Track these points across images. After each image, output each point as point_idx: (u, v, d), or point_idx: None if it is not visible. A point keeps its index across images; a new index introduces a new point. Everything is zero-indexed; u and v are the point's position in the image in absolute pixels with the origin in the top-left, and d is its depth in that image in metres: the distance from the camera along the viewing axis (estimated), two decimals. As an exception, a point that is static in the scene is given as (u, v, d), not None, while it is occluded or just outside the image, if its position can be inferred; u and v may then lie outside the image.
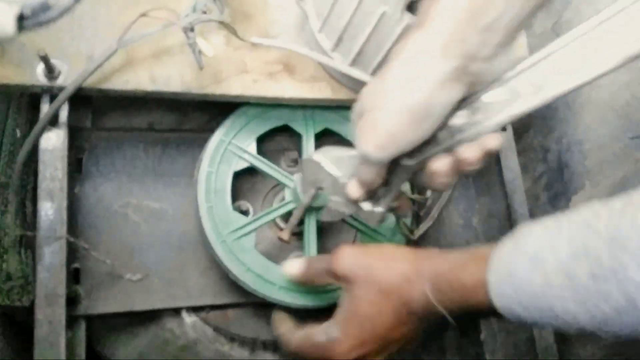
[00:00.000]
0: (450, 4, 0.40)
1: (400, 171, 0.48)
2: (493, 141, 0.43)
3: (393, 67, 0.42)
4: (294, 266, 0.55)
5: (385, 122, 0.42)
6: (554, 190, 0.80)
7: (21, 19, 0.29)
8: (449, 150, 0.45)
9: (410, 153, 0.45)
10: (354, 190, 0.49)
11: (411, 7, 0.49)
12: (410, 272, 0.47)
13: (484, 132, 0.43)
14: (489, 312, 0.42)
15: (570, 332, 0.40)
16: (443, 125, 0.44)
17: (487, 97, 0.42)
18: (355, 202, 0.51)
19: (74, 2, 0.31)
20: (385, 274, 0.48)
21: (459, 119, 0.44)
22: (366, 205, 0.51)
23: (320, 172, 0.51)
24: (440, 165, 0.45)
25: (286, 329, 0.54)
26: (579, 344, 0.72)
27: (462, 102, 0.43)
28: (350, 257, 0.50)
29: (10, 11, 0.28)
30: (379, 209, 0.51)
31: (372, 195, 0.50)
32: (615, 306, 0.35)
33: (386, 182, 0.49)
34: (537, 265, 0.39)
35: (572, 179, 0.76)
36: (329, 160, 0.51)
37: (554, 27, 0.74)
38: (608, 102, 0.70)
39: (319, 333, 0.50)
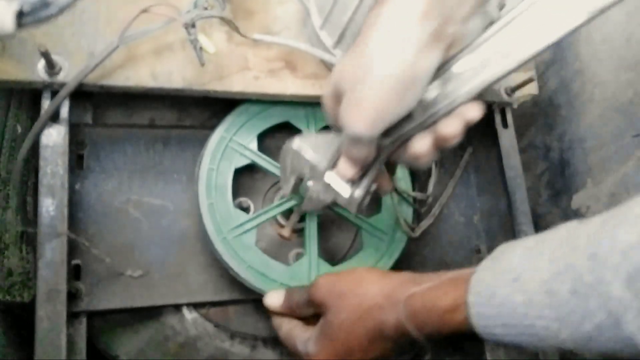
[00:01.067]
0: None
1: (378, 154, 0.47)
2: (473, 111, 0.42)
3: (370, 37, 0.39)
4: (273, 298, 0.56)
5: (371, 96, 0.39)
6: (556, 188, 0.80)
7: (20, 16, 0.29)
8: (424, 125, 0.44)
9: (386, 131, 0.43)
10: (347, 169, 0.48)
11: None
12: (382, 297, 0.48)
13: (457, 103, 0.42)
14: (467, 334, 0.43)
15: (552, 351, 0.40)
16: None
17: (457, 67, 0.42)
18: (331, 189, 0.50)
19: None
20: (356, 300, 0.49)
21: (430, 92, 0.43)
22: (345, 191, 0.49)
23: (299, 160, 0.50)
24: (421, 145, 0.44)
25: (279, 314, 0.56)
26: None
27: (435, 72, 0.42)
28: (324, 286, 0.52)
29: (9, 8, 0.28)
30: (358, 192, 0.49)
31: (365, 171, 0.49)
32: (597, 322, 0.34)
33: None
34: (518, 285, 0.39)
35: (574, 177, 0.76)
36: (308, 147, 0.50)
37: None
38: (610, 100, 0.70)
39: (300, 341, 0.52)
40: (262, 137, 0.62)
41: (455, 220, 0.73)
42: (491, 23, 0.41)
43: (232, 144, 0.61)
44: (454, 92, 0.42)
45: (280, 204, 0.60)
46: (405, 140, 0.45)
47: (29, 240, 0.58)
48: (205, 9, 0.52)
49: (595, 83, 0.72)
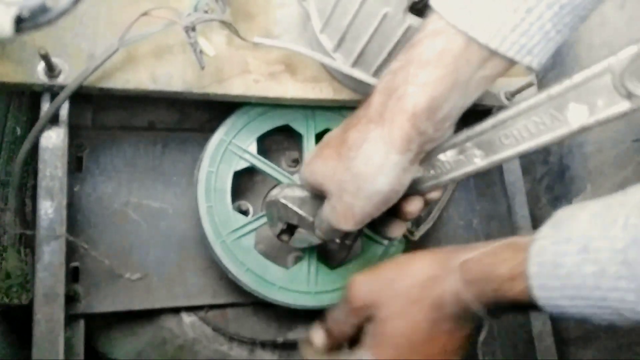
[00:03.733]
0: (410, 106, 0.42)
1: None
2: (434, 194, 0.49)
3: (355, 158, 0.45)
4: (316, 338, 0.50)
5: (360, 206, 0.45)
6: (555, 193, 0.80)
7: (19, 21, 0.29)
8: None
9: None
10: (325, 235, 0.52)
11: (413, 8, 0.49)
12: (435, 269, 0.45)
13: (436, 186, 0.48)
14: (526, 305, 0.40)
15: (623, 325, 0.38)
16: None
17: (441, 157, 0.47)
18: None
19: (73, 4, 0.30)
20: (408, 281, 0.46)
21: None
22: (332, 244, 0.57)
23: (286, 211, 0.53)
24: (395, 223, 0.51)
25: (313, 355, 0.51)
26: (579, 345, 0.72)
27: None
28: (365, 283, 0.48)
29: (8, 13, 0.28)
30: (348, 242, 0.56)
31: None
32: None
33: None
34: (587, 255, 0.36)
35: (573, 182, 0.76)
36: (294, 201, 0.52)
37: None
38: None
39: None
40: (261, 140, 0.62)
41: (454, 224, 0.73)
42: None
43: (231, 147, 0.61)
44: (436, 178, 0.48)
45: (280, 207, 0.60)
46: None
47: (28, 242, 0.58)
48: (206, 12, 0.52)
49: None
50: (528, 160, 0.85)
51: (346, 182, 0.45)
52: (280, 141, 0.67)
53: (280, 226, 0.54)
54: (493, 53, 0.41)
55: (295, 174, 0.62)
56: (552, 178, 0.81)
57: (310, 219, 0.52)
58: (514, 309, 0.43)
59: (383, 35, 0.52)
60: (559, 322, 0.70)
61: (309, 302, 0.58)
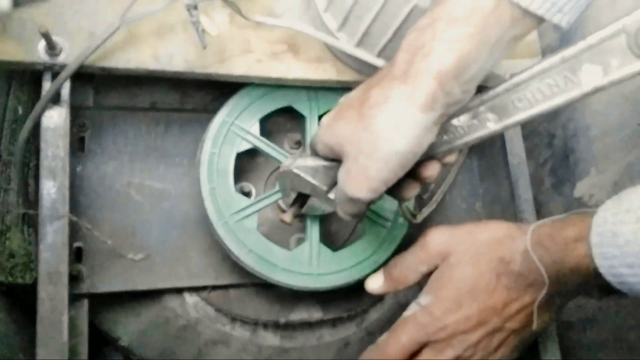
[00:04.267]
0: (437, 64, 0.41)
1: None
2: (451, 156, 0.49)
3: (376, 116, 0.43)
4: (373, 282, 0.54)
5: (376, 168, 0.44)
6: (559, 176, 0.79)
7: (18, -6, 0.28)
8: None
9: None
10: (345, 215, 0.50)
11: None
12: (511, 229, 0.48)
13: (449, 151, 0.48)
14: (586, 275, 0.42)
15: None
16: None
17: (455, 121, 0.47)
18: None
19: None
20: (483, 236, 0.49)
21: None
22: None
23: (300, 181, 0.52)
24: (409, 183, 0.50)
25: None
26: (579, 328, 0.73)
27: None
28: (446, 232, 0.51)
29: (7, -14, 0.27)
30: None
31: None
32: None
33: None
34: None
35: (578, 165, 0.76)
36: (307, 171, 0.52)
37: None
38: (617, 88, 0.69)
39: (407, 310, 0.50)
40: (264, 122, 0.62)
41: (457, 207, 0.72)
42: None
43: (234, 128, 0.60)
44: (449, 143, 0.47)
45: (282, 189, 0.60)
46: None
47: (31, 221, 0.58)
48: (208, -10, 0.51)
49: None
50: (532, 144, 0.84)
51: (364, 142, 0.44)
52: (282, 122, 0.67)
53: (293, 196, 0.54)
54: (523, 11, 0.40)
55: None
56: (556, 161, 0.80)
57: (324, 187, 0.51)
58: (576, 283, 0.44)
59: (388, 15, 0.51)
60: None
61: (311, 283, 0.59)
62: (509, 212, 0.68)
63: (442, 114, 0.43)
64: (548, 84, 0.41)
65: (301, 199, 0.55)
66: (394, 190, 0.49)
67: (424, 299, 0.50)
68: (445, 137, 0.47)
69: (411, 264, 0.52)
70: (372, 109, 0.44)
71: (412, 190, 0.50)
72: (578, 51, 0.40)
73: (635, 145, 0.66)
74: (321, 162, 0.52)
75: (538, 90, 0.42)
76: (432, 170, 0.48)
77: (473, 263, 0.48)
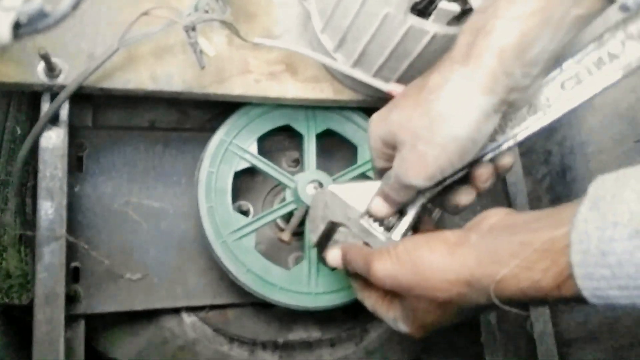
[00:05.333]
0: (498, 41, 0.39)
1: (417, 198, 0.48)
2: (507, 158, 0.47)
3: (435, 100, 0.42)
4: (331, 258, 0.50)
5: (434, 155, 0.42)
6: (556, 193, 0.80)
7: (17, 27, 0.29)
8: (464, 170, 0.46)
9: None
10: (382, 209, 0.48)
11: (414, 9, 0.49)
12: (461, 285, 0.41)
13: (500, 151, 0.46)
14: (567, 301, 0.37)
15: None
16: None
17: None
18: (367, 232, 0.49)
19: (71, 10, 0.30)
20: (429, 294, 0.42)
21: None
22: (380, 236, 0.48)
23: (334, 203, 0.50)
24: (467, 198, 0.48)
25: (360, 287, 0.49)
26: (579, 346, 0.72)
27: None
28: (386, 278, 0.44)
29: (6, 18, 0.27)
30: (395, 236, 0.48)
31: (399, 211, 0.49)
32: None
33: (400, 212, 0.49)
34: None
35: (575, 182, 0.76)
36: (343, 192, 0.50)
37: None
38: (613, 106, 0.69)
39: (387, 320, 0.47)
40: (262, 141, 0.62)
41: (455, 224, 0.72)
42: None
43: (232, 147, 0.60)
44: (499, 143, 0.46)
45: (280, 208, 0.60)
46: (446, 186, 0.47)
47: (28, 242, 0.58)
48: (206, 12, 0.52)
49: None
50: (529, 161, 0.85)
51: (422, 128, 0.42)
52: (280, 141, 0.67)
53: (322, 227, 0.51)
54: None
55: (295, 174, 0.61)
56: (554, 178, 0.80)
57: (359, 210, 0.49)
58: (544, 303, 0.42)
59: (384, 36, 0.51)
60: (560, 323, 0.70)
61: (309, 302, 0.58)
62: (507, 229, 0.68)
63: (503, 99, 0.41)
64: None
65: (328, 233, 0.51)
66: (449, 197, 0.48)
67: (402, 326, 0.46)
68: (499, 135, 0.46)
69: (359, 262, 0.47)
70: (431, 94, 0.42)
71: (468, 196, 0.48)
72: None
73: (631, 162, 0.66)
74: (356, 186, 0.51)
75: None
76: (485, 169, 0.46)
77: (431, 311, 0.43)
